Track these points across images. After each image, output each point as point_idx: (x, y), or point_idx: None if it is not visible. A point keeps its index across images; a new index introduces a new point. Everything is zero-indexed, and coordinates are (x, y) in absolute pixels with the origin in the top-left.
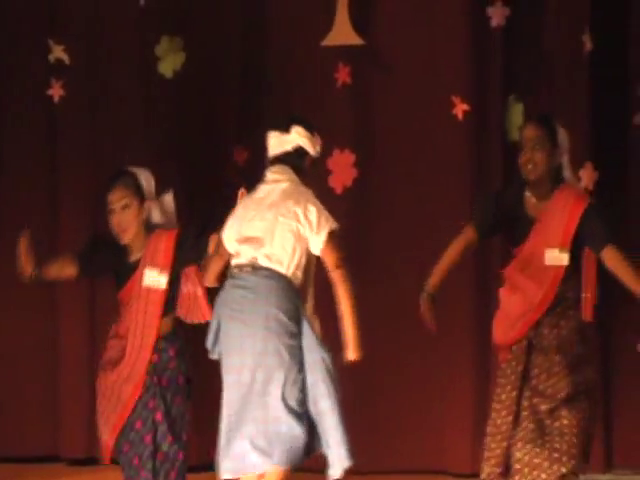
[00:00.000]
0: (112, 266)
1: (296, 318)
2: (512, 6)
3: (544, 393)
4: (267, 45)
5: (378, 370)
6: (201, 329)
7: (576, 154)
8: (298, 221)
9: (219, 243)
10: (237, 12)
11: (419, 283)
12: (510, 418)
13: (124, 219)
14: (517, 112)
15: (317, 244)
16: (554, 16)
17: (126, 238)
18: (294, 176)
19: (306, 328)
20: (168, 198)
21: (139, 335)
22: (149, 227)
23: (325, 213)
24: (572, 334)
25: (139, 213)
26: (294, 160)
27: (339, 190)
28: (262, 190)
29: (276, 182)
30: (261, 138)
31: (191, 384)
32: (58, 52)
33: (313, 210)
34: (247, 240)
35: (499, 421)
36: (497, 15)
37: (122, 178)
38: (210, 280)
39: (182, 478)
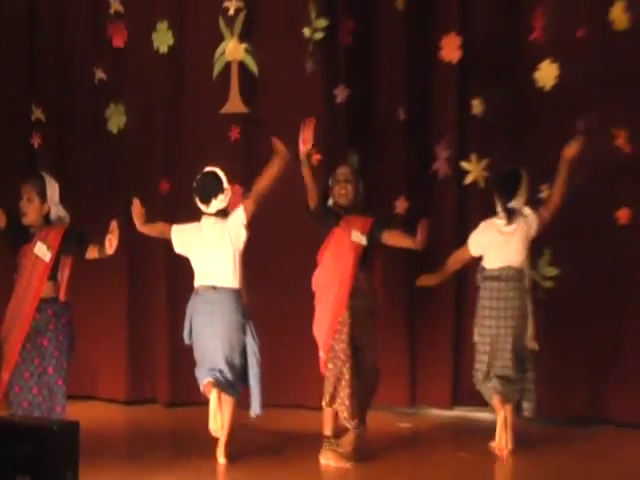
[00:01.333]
0: (19, 232)
1: (244, 319)
2: (351, 88)
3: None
4: (183, 111)
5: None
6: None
7: (393, 189)
8: (231, 242)
9: (162, 226)
10: (163, 88)
11: (289, 286)
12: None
13: (25, 208)
14: (353, 162)
15: (243, 221)
16: (375, 94)
17: (27, 221)
18: (219, 218)
19: (248, 325)
20: (63, 212)
21: (22, 290)
22: (47, 221)
23: (232, 212)
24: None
25: (39, 208)
26: (218, 213)
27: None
28: (204, 229)
29: (211, 228)
30: (178, 175)
31: (71, 340)
32: (38, 113)
33: (229, 222)
34: (206, 271)
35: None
36: (340, 94)
37: (35, 178)
38: (143, 229)
39: (62, 404)
